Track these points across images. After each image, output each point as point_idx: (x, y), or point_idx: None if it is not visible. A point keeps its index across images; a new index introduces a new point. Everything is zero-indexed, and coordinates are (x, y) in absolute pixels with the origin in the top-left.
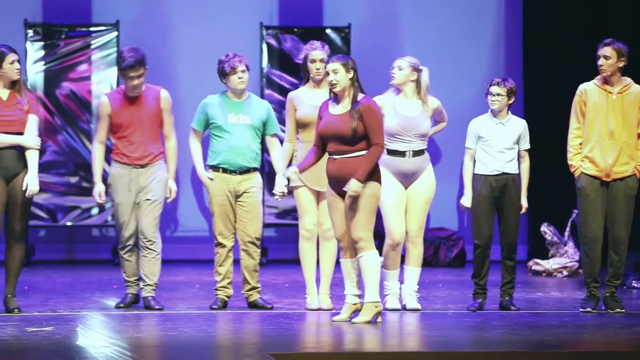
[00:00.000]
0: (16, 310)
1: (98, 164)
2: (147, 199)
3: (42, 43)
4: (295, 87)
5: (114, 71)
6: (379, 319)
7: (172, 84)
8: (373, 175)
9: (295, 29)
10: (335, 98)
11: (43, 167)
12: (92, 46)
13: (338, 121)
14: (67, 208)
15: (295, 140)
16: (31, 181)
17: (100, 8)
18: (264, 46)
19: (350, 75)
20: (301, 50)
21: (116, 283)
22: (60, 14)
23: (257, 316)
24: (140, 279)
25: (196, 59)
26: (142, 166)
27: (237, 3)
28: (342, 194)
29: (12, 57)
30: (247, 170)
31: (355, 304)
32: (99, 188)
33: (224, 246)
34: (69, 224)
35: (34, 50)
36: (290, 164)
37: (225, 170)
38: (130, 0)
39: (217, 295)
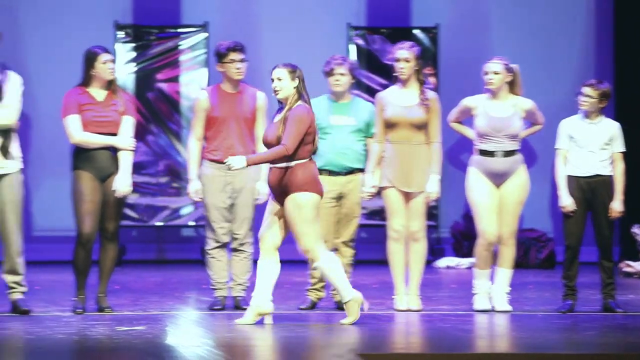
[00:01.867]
0: (108, 309)
1: (194, 161)
2: (242, 201)
3: (132, 44)
4: (384, 87)
5: (203, 72)
6: (365, 307)
7: (261, 85)
8: (305, 184)
9: (383, 30)
10: (283, 107)
11: (133, 168)
12: (182, 47)
13: (272, 129)
14: (157, 208)
15: (384, 140)
16: (121, 182)
17: (189, 9)
18: (352, 47)
19: (295, 83)
20: (389, 51)
21: (205, 283)
22: (150, 15)
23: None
24: (229, 281)
25: (283, 60)
26: None
27: (324, 4)
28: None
29: (105, 57)
30: (352, 171)
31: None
32: (194, 185)
33: None
34: (159, 224)
35: (125, 51)
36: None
37: (331, 173)
38: (219, 1)
39: (307, 295)
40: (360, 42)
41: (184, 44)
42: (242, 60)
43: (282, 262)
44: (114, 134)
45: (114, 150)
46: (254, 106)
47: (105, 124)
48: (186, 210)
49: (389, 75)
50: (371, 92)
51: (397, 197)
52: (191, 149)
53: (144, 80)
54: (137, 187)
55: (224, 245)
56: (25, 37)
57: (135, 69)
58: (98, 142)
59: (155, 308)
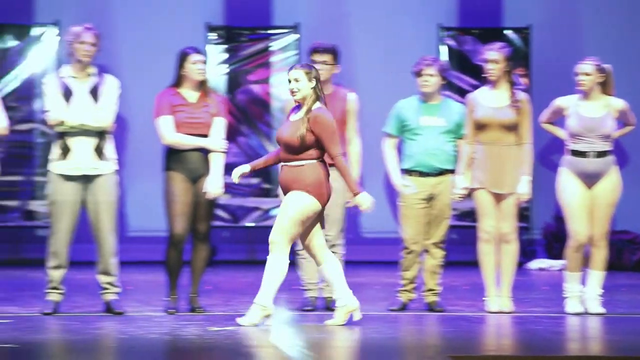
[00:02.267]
0: (200, 309)
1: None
2: (333, 202)
3: (223, 46)
4: (475, 88)
5: None
6: (268, 322)
7: (354, 86)
8: (309, 186)
9: (474, 30)
10: (299, 106)
11: (224, 169)
12: (272, 49)
13: (290, 128)
14: (248, 209)
15: (475, 142)
16: (211, 184)
17: (280, 11)
18: (442, 48)
19: (312, 84)
20: (480, 51)
21: (296, 284)
22: (241, 17)
23: (436, 318)
24: (320, 281)
25: (374, 61)
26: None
27: (415, 5)
28: None
29: (194, 57)
30: (442, 172)
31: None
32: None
33: (412, 252)
34: (250, 224)
35: (216, 53)
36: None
37: (421, 174)
38: (310, 2)
39: (398, 297)
40: (452, 42)
41: (275, 45)
42: (322, 62)
43: (372, 263)
44: (206, 136)
45: (205, 152)
46: (344, 108)
47: (197, 125)
48: (277, 210)
49: (480, 76)
50: (462, 93)
51: (487, 198)
52: None
53: (235, 81)
54: (228, 188)
55: None
56: (119, 40)
57: (227, 70)
58: (190, 143)
59: (246, 308)
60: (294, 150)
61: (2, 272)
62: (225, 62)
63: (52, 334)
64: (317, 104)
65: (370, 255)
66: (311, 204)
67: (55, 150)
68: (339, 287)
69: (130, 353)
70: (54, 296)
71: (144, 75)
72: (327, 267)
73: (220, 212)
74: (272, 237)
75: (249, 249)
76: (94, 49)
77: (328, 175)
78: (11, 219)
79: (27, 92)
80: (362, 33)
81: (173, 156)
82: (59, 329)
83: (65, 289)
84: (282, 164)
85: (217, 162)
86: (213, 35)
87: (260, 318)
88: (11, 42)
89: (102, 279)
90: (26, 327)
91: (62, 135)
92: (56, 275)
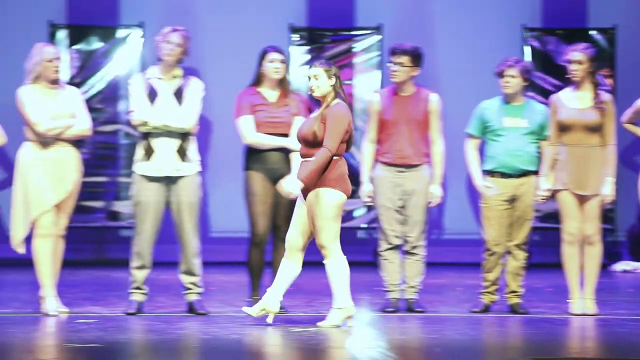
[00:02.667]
0: (282, 310)
1: (366, 163)
2: (414, 203)
3: (306, 47)
4: (558, 89)
5: (376, 74)
6: (350, 323)
7: (437, 87)
8: (332, 181)
9: (558, 31)
10: (319, 104)
11: None
12: (355, 50)
13: (307, 123)
14: None
15: (558, 143)
16: (290, 184)
17: (363, 12)
18: (526, 48)
19: (332, 82)
20: (564, 52)
21: (378, 285)
22: (324, 18)
23: (519, 320)
24: (401, 283)
25: (458, 62)
26: (408, 167)
27: (499, 5)
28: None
29: (272, 55)
30: (525, 174)
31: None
32: (366, 188)
33: (494, 253)
34: None
35: (299, 54)
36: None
37: (503, 175)
38: (393, 3)
39: (480, 299)
40: (535, 43)
41: (358, 46)
42: (398, 64)
43: (454, 264)
44: (286, 135)
45: (286, 151)
46: (426, 108)
47: (277, 124)
48: (359, 212)
49: (563, 77)
50: (545, 94)
51: (571, 200)
52: (364, 152)
53: None
54: None
55: (397, 247)
56: (202, 41)
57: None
58: (270, 143)
59: (328, 309)
60: (310, 144)
61: (86, 273)
62: (307, 63)
63: (135, 334)
64: (336, 101)
65: (453, 256)
66: (338, 198)
67: (139, 152)
68: (276, 286)
69: (212, 353)
70: (137, 296)
71: (228, 77)
72: (284, 266)
73: None
74: (320, 242)
75: None
76: (179, 50)
77: (346, 170)
78: (96, 220)
79: (112, 93)
80: (445, 34)
81: (253, 156)
82: (142, 329)
83: (149, 289)
84: (302, 160)
85: (297, 162)
86: (296, 37)
87: (341, 319)
88: (96, 44)
89: (185, 279)
90: (110, 327)
91: (146, 136)
92: (140, 275)
